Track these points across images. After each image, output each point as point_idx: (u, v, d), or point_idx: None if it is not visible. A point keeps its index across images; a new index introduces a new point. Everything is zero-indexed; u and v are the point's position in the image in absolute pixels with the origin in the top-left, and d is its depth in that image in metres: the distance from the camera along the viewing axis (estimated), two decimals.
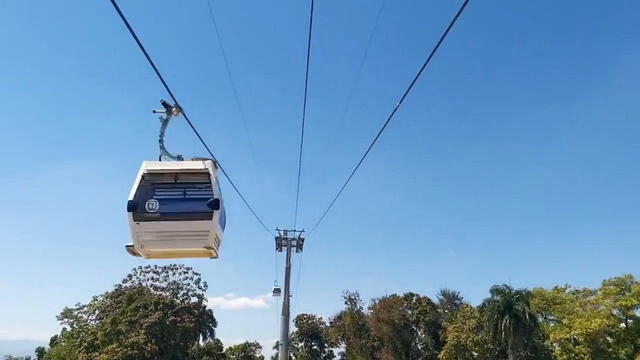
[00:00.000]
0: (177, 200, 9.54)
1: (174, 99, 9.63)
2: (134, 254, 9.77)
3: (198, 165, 9.67)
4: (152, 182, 9.41)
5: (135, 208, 9.14)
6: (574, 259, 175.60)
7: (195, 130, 10.49)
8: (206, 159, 9.75)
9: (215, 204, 9.26)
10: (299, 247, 37.68)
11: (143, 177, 9.38)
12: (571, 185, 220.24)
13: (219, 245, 9.95)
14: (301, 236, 37.64)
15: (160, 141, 10.06)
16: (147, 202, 9.16)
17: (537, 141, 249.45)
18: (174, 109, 10.05)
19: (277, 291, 36.60)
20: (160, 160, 9.91)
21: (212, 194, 9.34)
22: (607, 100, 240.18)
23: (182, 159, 9.94)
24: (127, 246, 9.56)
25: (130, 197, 9.18)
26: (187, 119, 10.19)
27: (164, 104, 9.96)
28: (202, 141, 10.85)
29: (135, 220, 9.14)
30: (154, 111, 10.14)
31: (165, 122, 10.13)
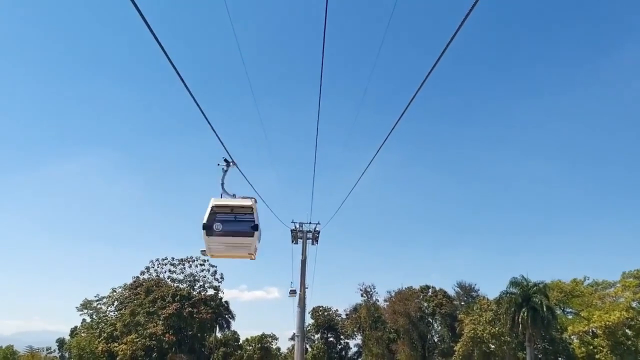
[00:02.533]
0: (232, 223, 13.78)
1: (229, 154, 14.34)
2: (205, 255, 14.70)
3: (246, 202, 14.14)
4: (216, 212, 13.74)
5: (207, 228, 13.55)
6: (593, 251, 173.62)
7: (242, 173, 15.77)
8: (251, 197, 14.39)
9: (256, 227, 13.74)
10: (315, 239, 37.66)
11: (212, 208, 13.76)
12: (590, 176, 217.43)
13: (256, 252, 14.61)
14: (317, 229, 37.58)
15: (222, 185, 14.85)
16: (214, 224, 13.58)
17: (554, 132, 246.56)
18: (231, 163, 14.97)
19: (293, 292, 36.39)
20: (221, 197, 14.46)
21: (254, 220, 13.79)
22: (621, 90, 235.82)
23: (235, 197, 14.55)
24: (201, 251, 14.40)
25: (204, 220, 13.60)
26: (240, 170, 15.45)
27: (225, 160, 14.88)
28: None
29: (207, 235, 13.61)
30: (218, 164, 14.99)
31: (225, 172, 15.00)
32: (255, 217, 13.91)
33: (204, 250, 14.28)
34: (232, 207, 14.06)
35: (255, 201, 14.34)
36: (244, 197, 14.48)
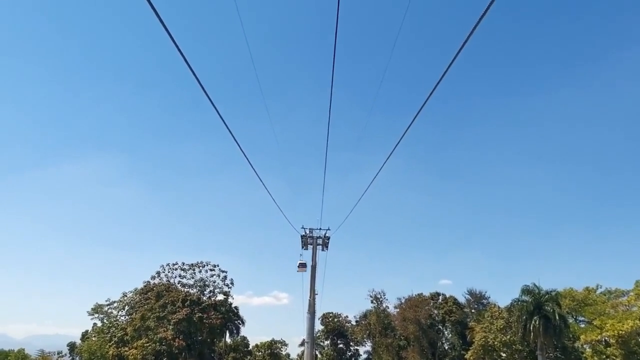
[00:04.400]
0: (301, 266, 37.00)
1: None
2: (298, 272, 37.67)
3: (303, 261, 36.96)
4: (299, 263, 37.20)
5: (298, 267, 37.31)
6: (605, 259, 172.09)
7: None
8: (305, 261, 38.08)
9: (305, 266, 37.80)
10: (325, 245, 37.70)
11: (299, 263, 37.27)
12: (604, 184, 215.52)
13: (305, 270, 37.99)
14: (327, 235, 37.68)
15: (300, 258, 37.34)
16: (299, 265, 37.19)
17: (570, 137, 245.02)
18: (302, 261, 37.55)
19: (302, 265, 37.39)
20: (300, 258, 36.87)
21: (306, 265, 37.68)
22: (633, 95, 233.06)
23: (302, 259, 37.19)
24: (297, 270, 37.40)
25: (297, 265, 37.50)
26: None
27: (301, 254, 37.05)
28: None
29: (298, 267, 37.31)
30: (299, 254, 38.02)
31: (300, 255, 37.03)
32: (306, 264, 36.57)
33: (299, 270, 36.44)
34: (303, 263, 36.40)
35: (305, 263, 36.73)
36: (304, 261, 36.67)
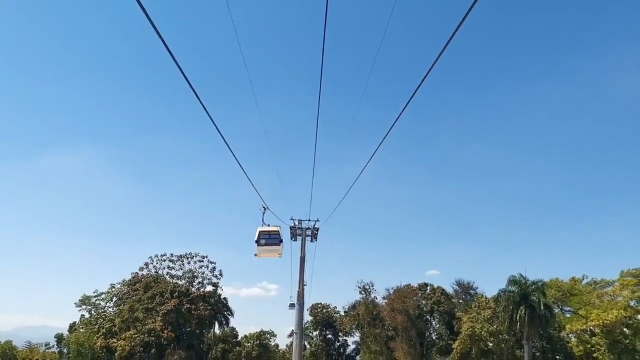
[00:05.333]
0: (269, 239, 26.39)
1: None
2: (256, 257, 26.66)
3: (275, 228, 26.89)
4: (261, 233, 26.42)
5: (258, 242, 26.26)
6: (591, 250, 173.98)
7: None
8: (277, 225, 27.45)
9: (280, 241, 27.00)
10: (314, 236, 37.57)
11: (259, 232, 26.31)
12: (589, 174, 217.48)
13: (281, 254, 27.57)
14: (316, 226, 37.59)
15: (262, 220, 26.91)
16: (261, 240, 26.28)
17: (555, 130, 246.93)
18: (266, 208, 26.86)
19: (292, 306, 37.10)
20: (262, 226, 26.69)
21: (280, 237, 27.00)
22: (616, 88, 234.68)
23: (269, 226, 26.79)
24: (254, 254, 26.53)
25: (256, 238, 26.27)
26: (272, 212, 28.12)
27: (263, 207, 26.78)
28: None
29: (258, 245, 26.26)
30: (259, 209, 27.42)
31: (263, 214, 26.81)
32: (280, 235, 27.06)
33: (256, 254, 26.83)
34: (269, 232, 26.82)
35: (280, 227, 27.50)
36: (274, 225, 27.38)
